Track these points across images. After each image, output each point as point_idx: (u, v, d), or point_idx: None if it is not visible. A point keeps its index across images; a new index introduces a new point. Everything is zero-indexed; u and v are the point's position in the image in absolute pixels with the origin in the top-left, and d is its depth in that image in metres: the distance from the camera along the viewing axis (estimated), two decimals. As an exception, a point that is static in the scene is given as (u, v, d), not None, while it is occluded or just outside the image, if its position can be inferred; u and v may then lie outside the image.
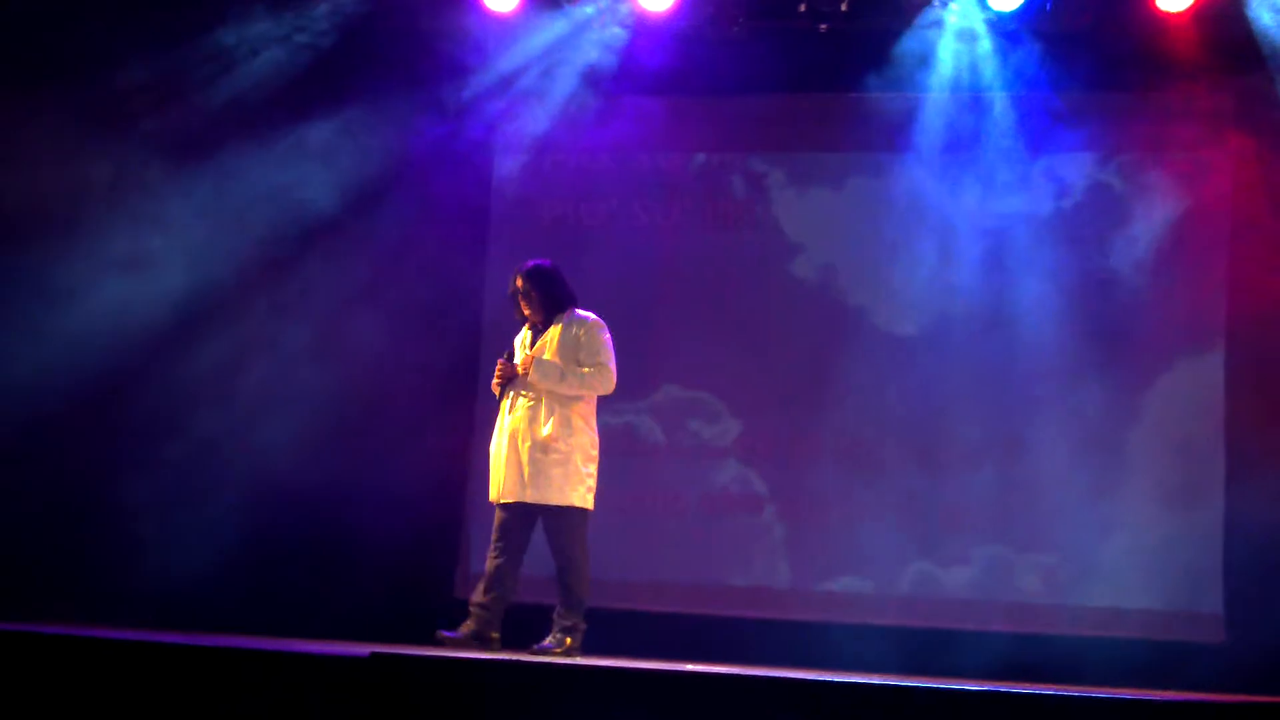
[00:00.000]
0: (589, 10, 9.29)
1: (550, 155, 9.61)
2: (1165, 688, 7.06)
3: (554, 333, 7.40)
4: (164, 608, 8.52)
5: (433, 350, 9.25)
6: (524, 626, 7.51)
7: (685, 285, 9.49)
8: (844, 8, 9.07)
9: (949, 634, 8.69)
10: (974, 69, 9.17)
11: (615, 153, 9.56)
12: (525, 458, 7.29)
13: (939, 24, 9.11)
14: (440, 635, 7.24)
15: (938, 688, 5.52)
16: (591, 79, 9.38)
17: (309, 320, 9.41)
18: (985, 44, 9.12)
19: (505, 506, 7.37)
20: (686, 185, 9.62)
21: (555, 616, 7.34)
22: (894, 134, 9.29)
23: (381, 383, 9.27)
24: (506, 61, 9.40)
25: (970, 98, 9.20)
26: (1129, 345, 8.93)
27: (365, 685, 5.72)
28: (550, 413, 7.31)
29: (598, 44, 9.36)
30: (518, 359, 7.43)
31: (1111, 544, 8.79)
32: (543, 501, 7.28)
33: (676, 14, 9.20)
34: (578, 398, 7.37)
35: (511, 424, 7.36)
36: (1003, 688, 5.64)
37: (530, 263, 7.52)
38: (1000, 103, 9.17)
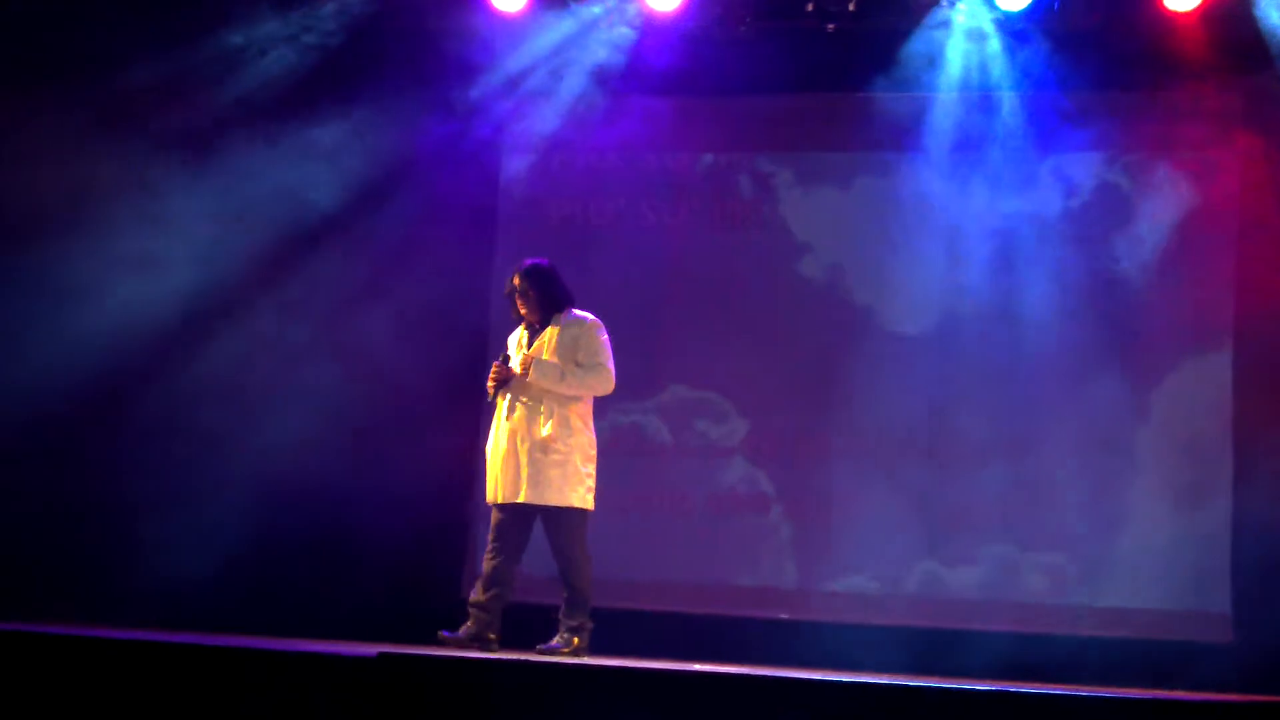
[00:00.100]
0: (596, 10, 9.28)
1: (558, 155, 9.61)
2: (1172, 687, 7.06)
3: (552, 333, 7.39)
4: (170, 607, 8.53)
5: (439, 350, 9.25)
6: (526, 626, 7.52)
7: (693, 285, 9.49)
8: (851, 8, 9.06)
9: (955, 634, 8.68)
10: (982, 69, 9.16)
11: (623, 153, 9.56)
12: (524, 458, 7.28)
13: (947, 24, 9.10)
14: (440, 636, 7.24)
15: (944, 687, 5.52)
16: (599, 79, 9.38)
17: (315, 320, 9.42)
18: (993, 44, 9.11)
19: (503, 507, 7.36)
20: (694, 185, 9.62)
21: (561, 617, 7.34)
22: (901, 134, 9.28)
23: (387, 382, 9.27)
24: (514, 61, 9.40)
25: (978, 97, 9.19)
26: (1136, 344, 8.92)
27: (373, 685, 5.73)
28: (549, 413, 7.30)
29: (605, 44, 9.35)
30: (513, 359, 7.41)
31: (1118, 544, 8.79)
32: (542, 502, 7.27)
33: (684, 14, 9.19)
34: (576, 398, 7.36)
35: (510, 424, 7.35)
36: (1009, 687, 5.64)
37: (528, 261, 7.51)
38: (1008, 102, 9.16)
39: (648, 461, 9.38)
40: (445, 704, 5.67)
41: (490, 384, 7.42)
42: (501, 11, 9.24)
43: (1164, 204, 8.99)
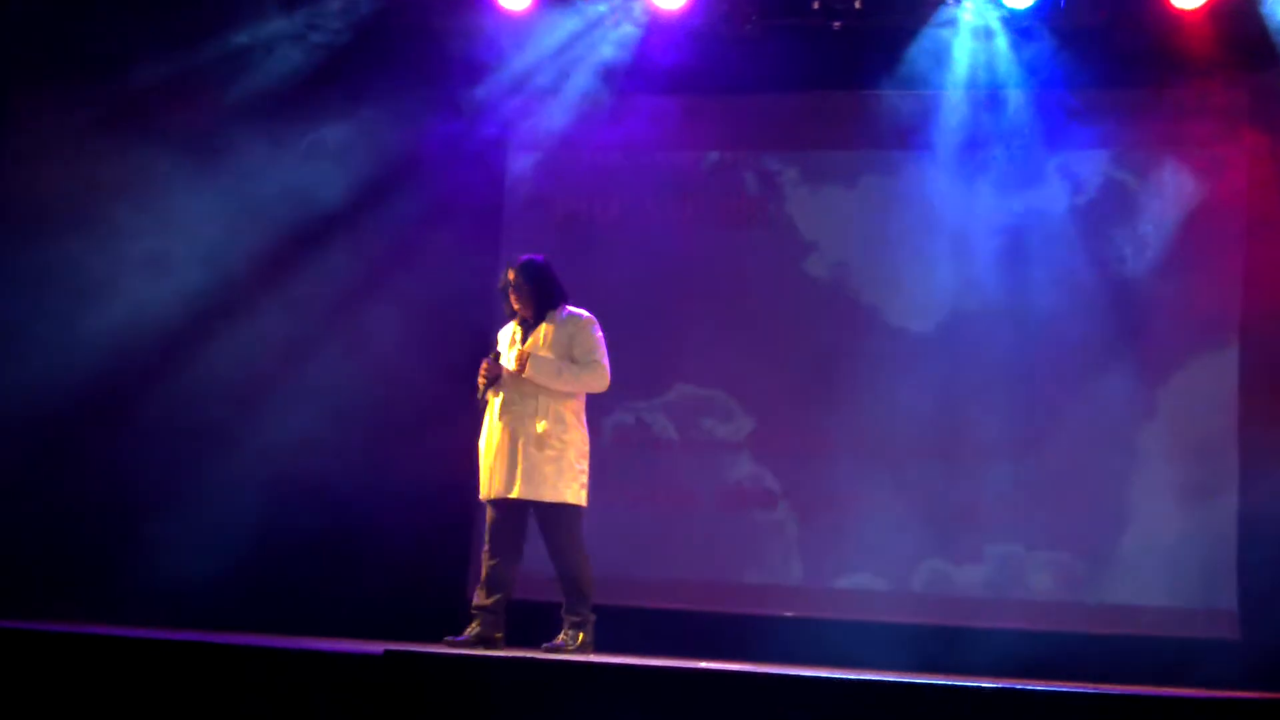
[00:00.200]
0: (602, 8, 9.28)
1: (563, 153, 9.61)
2: (1179, 685, 7.04)
3: (546, 329, 7.37)
4: (176, 606, 8.54)
5: (445, 348, 9.25)
6: (531, 624, 7.52)
7: (698, 283, 9.48)
8: (857, 5, 9.06)
9: (962, 631, 8.68)
10: (988, 66, 9.15)
11: (628, 151, 9.56)
12: (519, 454, 7.26)
13: (953, 21, 9.09)
14: (446, 640, 7.23)
15: (951, 685, 5.52)
16: (604, 77, 9.38)
17: (320, 318, 9.43)
18: (999, 41, 9.10)
19: (497, 504, 7.34)
20: (700, 183, 9.62)
21: (564, 614, 7.34)
22: (908, 132, 9.28)
23: (392, 380, 9.28)
24: (520, 60, 9.40)
25: (984, 95, 9.19)
26: (1143, 342, 8.92)
27: (379, 683, 5.73)
28: (544, 409, 7.28)
29: (611, 42, 9.35)
30: (506, 355, 7.39)
31: (1125, 541, 8.78)
32: (536, 498, 7.26)
33: (690, 12, 9.19)
34: (571, 394, 7.35)
35: (504, 420, 7.32)
36: (1016, 685, 5.64)
37: (523, 257, 7.50)
38: (1014, 100, 9.15)
39: (654, 459, 9.39)
40: (451, 702, 5.68)
41: (481, 380, 7.41)
42: (507, 10, 9.24)
43: (1171, 201, 8.98)
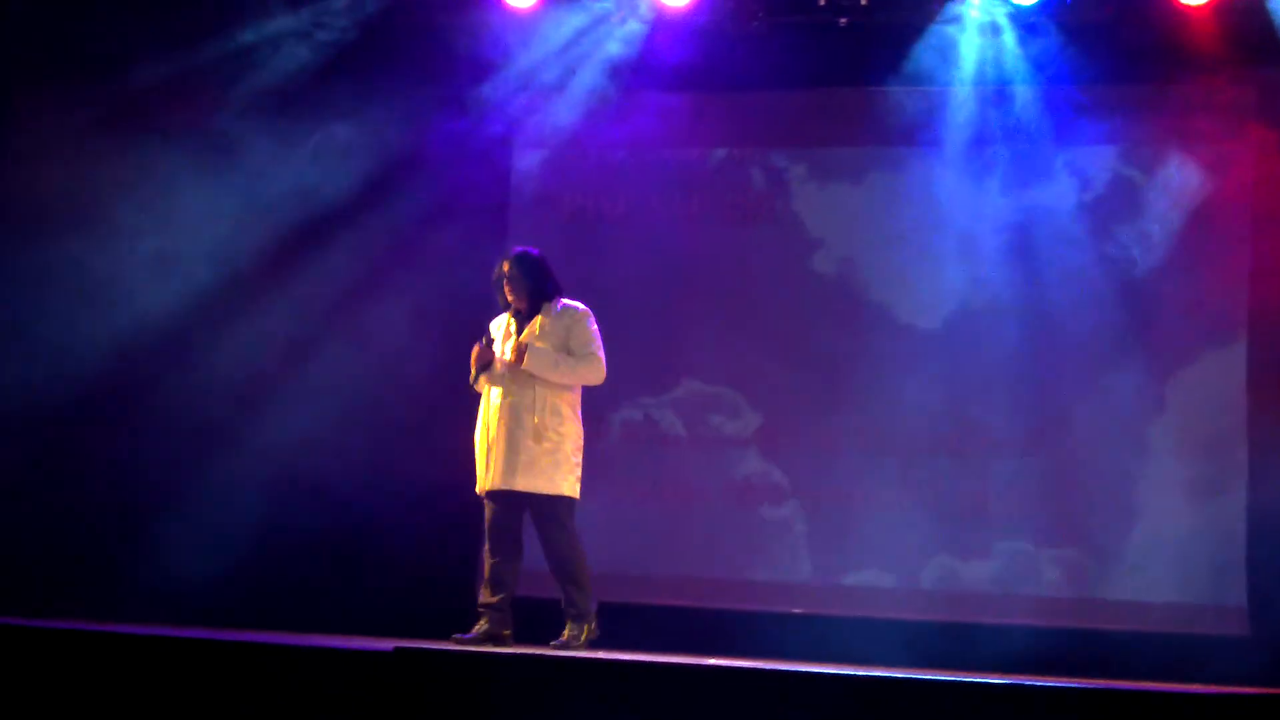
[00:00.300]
0: (608, 5, 9.29)
1: (569, 151, 9.61)
2: (1188, 681, 7.04)
3: (541, 321, 7.37)
4: (184, 604, 8.54)
5: (453, 345, 9.24)
6: (539, 621, 7.52)
7: (705, 280, 9.48)
8: (864, 2, 9.06)
9: (971, 628, 8.68)
10: (995, 63, 9.14)
11: (635, 148, 9.55)
12: (517, 445, 7.25)
13: (959, 17, 9.08)
14: (455, 638, 7.23)
15: (959, 681, 5.52)
16: (611, 74, 9.37)
17: (328, 316, 9.43)
18: (1006, 37, 9.09)
19: (494, 498, 7.33)
20: (706, 180, 9.61)
21: (565, 609, 7.33)
22: (915, 128, 9.27)
23: (400, 378, 9.28)
24: (525, 57, 9.40)
25: (991, 91, 9.18)
26: (1151, 337, 8.91)
27: (389, 680, 5.74)
28: (542, 401, 7.28)
29: (617, 39, 9.35)
30: (499, 346, 7.38)
31: (1134, 537, 8.77)
32: (532, 490, 7.25)
33: (696, 9, 9.19)
34: (567, 387, 7.35)
35: (500, 412, 7.31)
36: (1024, 681, 5.63)
37: (518, 249, 7.50)
38: (1021, 96, 9.14)
39: (662, 456, 9.39)
40: (461, 699, 5.68)
41: (472, 365, 7.39)
42: (513, 7, 9.24)
43: (1178, 197, 8.97)
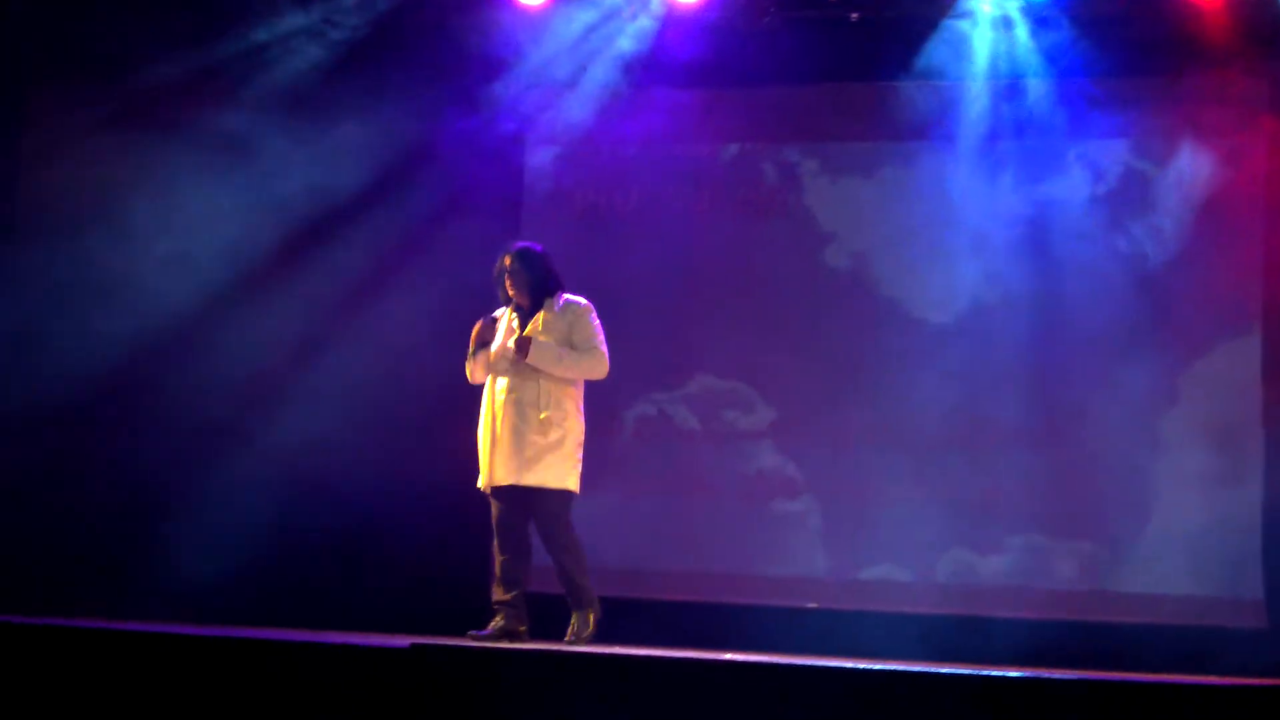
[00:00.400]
0: (618, 1, 9.28)
1: (581, 147, 9.62)
2: (1205, 673, 7.03)
3: (543, 317, 7.36)
4: (197, 602, 8.56)
5: (464, 343, 9.25)
6: (552, 617, 7.52)
7: (718, 276, 9.48)
8: (875, -4, 9.08)
9: (986, 621, 8.68)
10: (1007, 56, 9.13)
11: (647, 144, 9.56)
12: (523, 440, 7.25)
13: (971, 12, 9.07)
14: (470, 635, 7.24)
15: (975, 674, 5.51)
16: (622, 71, 9.37)
17: (340, 314, 9.44)
18: (1018, 30, 9.08)
19: (499, 494, 7.33)
20: (718, 176, 9.61)
21: (570, 600, 7.32)
22: (927, 123, 9.27)
23: (414, 376, 9.29)
24: (537, 54, 9.40)
25: (1003, 85, 9.17)
26: (1165, 330, 8.90)
27: (406, 677, 5.74)
28: (547, 395, 7.28)
29: (628, 36, 9.35)
30: (498, 341, 7.37)
31: (1148, 530, 8.77)
32: (539, 484, 7.24)
33: (707, 5, 9.19)
34: (571, 381, 7.34)
35: (504, 407, 7.30)
36: (1039, 674, 5.63)
37: (520, 244, 7.49)
38: (1034, 90, 9.13)
39: (676, 452, 9.39)
40: (477, 696, 5.69)
41: (472, 341, 7.39)
42: (524, 4, 9.25)
43: (1191, 190, 8.95)
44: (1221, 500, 8.66)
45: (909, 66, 9.20)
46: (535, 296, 7.39)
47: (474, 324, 7.51)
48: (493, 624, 7.29)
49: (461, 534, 9.26)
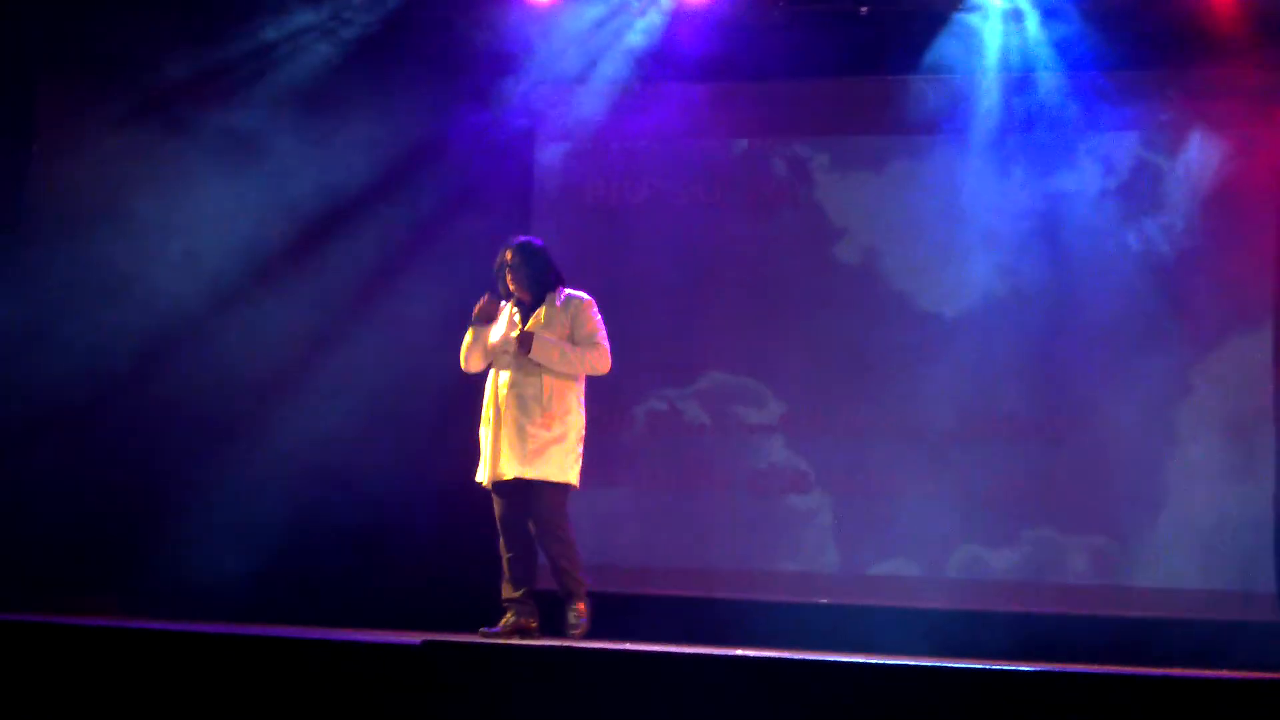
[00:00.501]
0: (629, -4, 9.31)
1: (592, 143, 9.62)
2: (1217, 667, 7.02)
3: (544, 311, 7.35)
4: (207, 600, 8.57)
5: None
6: (560, 613, 7.51)
7: (729, 271, 9.48)
8: (885, -10, 9.07)
9: (998, 616, 8.67)
10: (1018, 49, 9.12)
11: (657, 139, 9.55)
12: (525, 434, 7.23)
13: (981, 4, 9.06)
14: (482, 632, 7.24)
15: (986, 669, 5.51)
16: (632, 65, 9.37)
17: (352, 310, 9.45)
18: (1029, 23, 9.07)
19: (501, 488, 7.32)
20: (729, 170, 9.61)
21: (563, 592, 7.28)
22: (938, 116, 9.25)
23: (426, 372, 9.28)
24: (547, 49, 9.40)
25: (1014, 78, 9.15)
26: (1177, 324, 8.88)
27: (417, 673, 5.75)
28: (550, 390, 7.27)
29: (637, 31, 9.35)
30: (498, 332, 7.35)
31: (1161, 523, 8.75)
32: (542, 478, 7.23)
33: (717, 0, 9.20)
34: (573, 376, 7.33)
35: (508, 401, 7.29)
36: (1052, 668, 5.62)
37: (521, 238, 7.48)
38: (1044, 83, 9.11)
39: (686, 447, 9.39)
40: (489, 691, 5.69)
41: (477, 311, 7.39)
42: (533, 1, 9.25)
43: (1202, 183, 8.93)
44: (1233, 494, 8.64)
45: (919, 60, 9.19)
46: (536, 291, 7.38)
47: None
48: (503, 621, 7.30)
49: (473, 531, 9.24)
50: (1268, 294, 8.78)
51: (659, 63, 9.36)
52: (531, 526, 7.32)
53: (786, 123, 9.58)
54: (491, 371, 7.43)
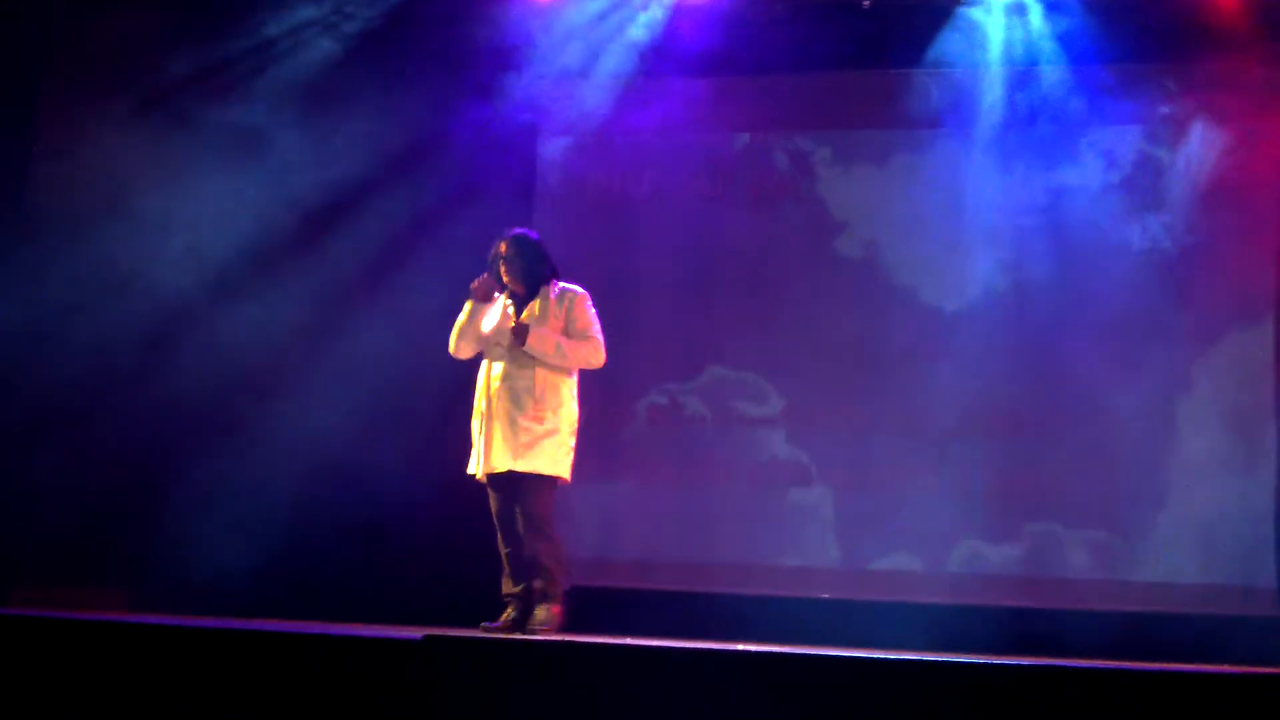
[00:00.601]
0: (632, -10, 9.31)
1: (593, 136, 9.61)
2: (1218, 662, 7.02)
3: (539, 304, 7.34)
4: (211, 596, 8.58)
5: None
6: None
7: (730, 265, 9.48)
8: (888, -17, 9.06)
9: (999, 611, 8.67)
10: (1020, 43, 9.11)
11: (659, 133, 9.55)
12: (518, 427, 7.22)
13: (984, -1, 9.09)
14: (483, 626, 7.25)
15: (988, 664, 5.51)
16: (635, 60, 9.37)
17: (355, 305, 9.45)
18: (1031, 17, 9.06)
19: (495, 482, 7.32)
20: (731, 164, 9.60)
21: (540, 587, 7.22)
22: (940, 110, 9.25)
23: (428, 366, 9.28)
24: (548, 44, 9.40)
25: (1017, 72, 9.15)
26: (1179, 318, 8.87)
27: (418, 668, 5.75)
28: (543, 383, 7.26)
29: (640, 25, 9.35)
30: (490, 322, 7.34)
31: (1162, 518, 8.75)
32: (534, 471, 7.22)
33: (719, -7, 9.21)
34: (566, 369, 7.33)
35: (500, 393, 7.28)
36: (1053, 663, 5.62)
37: (515, 230, 7.47)
38: (1047, 76, 9.11)
39: (688, 441, 9.39)
40: (490, 686, 5.70)
41: (472, 291, 7.38)
42: (536, -5, 9.29)
43: (1206, 176, 8.92)
44: (1235, 489, 8.64)
45: (921, 54, 9.19)
46: (530, 284, 7.38)
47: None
48: (504, 616, 7.30)
49: (474, 526, 9.24)
50: (1270, 288, 8.77)
51: (661, 57, 9.36)
52: (519, 519, 7.31)
53: (789, 117, 9.58)
54: (484, 363, 7.42)
